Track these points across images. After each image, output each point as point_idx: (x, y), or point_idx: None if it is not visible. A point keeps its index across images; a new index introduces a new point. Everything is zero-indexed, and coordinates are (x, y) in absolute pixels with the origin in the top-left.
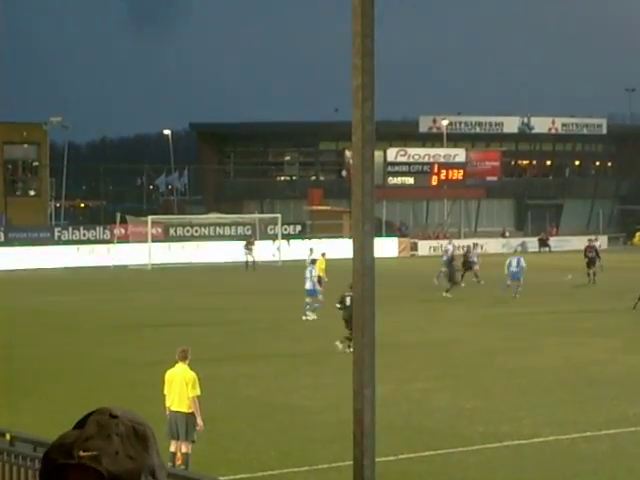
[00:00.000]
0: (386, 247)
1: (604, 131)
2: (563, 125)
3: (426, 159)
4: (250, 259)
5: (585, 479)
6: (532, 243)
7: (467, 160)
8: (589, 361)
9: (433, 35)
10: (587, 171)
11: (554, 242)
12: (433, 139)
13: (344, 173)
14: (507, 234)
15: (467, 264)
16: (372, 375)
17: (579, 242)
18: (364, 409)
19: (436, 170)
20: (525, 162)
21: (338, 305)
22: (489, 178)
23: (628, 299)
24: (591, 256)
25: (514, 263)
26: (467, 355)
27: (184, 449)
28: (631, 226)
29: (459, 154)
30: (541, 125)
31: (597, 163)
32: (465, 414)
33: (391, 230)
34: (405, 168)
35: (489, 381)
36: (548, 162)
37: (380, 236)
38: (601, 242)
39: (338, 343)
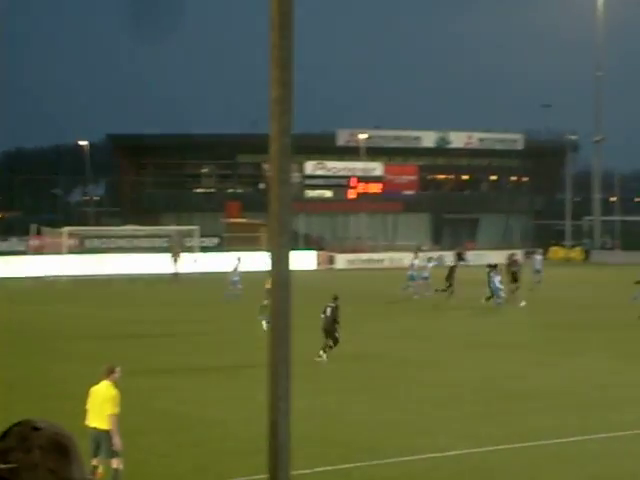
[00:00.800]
0: (304, 260)
1: (520, 146)
2: (480, 140)
3: (344, 172)
4: (175, 270)
5: None
6: (449, 257)
7: (385, 174)
8: (504, 375)
9: (352, 49)
10: (503, 186)
11: (471, 256)
12: (351, 153)
13: (262, 186)
14: (424, 248)
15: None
16: (287, 388)
17: (495, 256)
18: (279, 422)
19: (354, 184)
20: (442, 176)
21: (322, 315)
22: (406, 192)
23: (543, 313)
24: (515, 270)
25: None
26: (384, 368)
27: (114, 465)
28: (546, 241)
29: (377, 168)
30: (458, 140)
31: (513, 178)
32: (381, 427)
33: (309, 243)
34: (323, 181)
35: (406, 394)
36: (465, 177)
37: (298, 249)
38: (520, 257)
39: (320, 355)
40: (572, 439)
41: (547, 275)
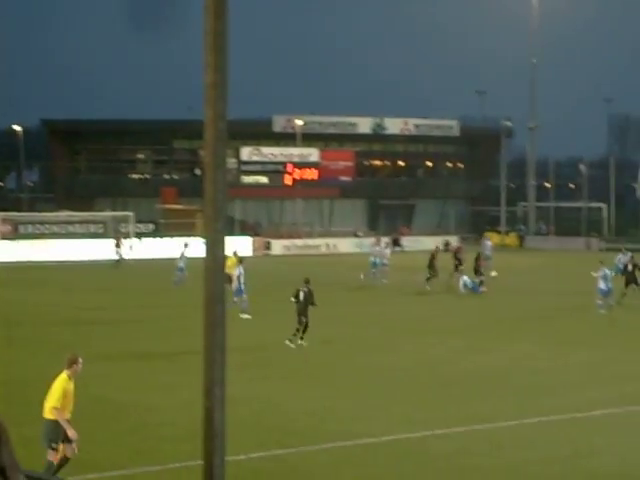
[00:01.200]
0: (240, 246)
1: (455, 133)
2: (416, 126)
3: (280, 158)
4: (119, 257)
5: (435, 476)
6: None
7: (321, 160)
8: (441, 360)
9: (289, 33)
10: (439, 172)
11: (406, 242)
12: (287, 138)
13: (198, 172)
14: (360, 234)
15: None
16: (223, 374)
17: (431, 242)
18: (214, 408)
19: (290, 170)
20: (378, 162)
21: (293, 299)
22: (343, 178)
23: (480, 299)
24: (460, 257)
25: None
26: (321, 354)
27: (68, 453)
28: (481, 226)
29: (313, 154)
30: (394, 126)
31: (449, 164)
32: (317, 412)
33: (245, 229)
34: (259, 167)
35: (342, 380)
36: (401, 163)
37: (234, 235)
38: (452, 242)
39: (301, 339)
40: (507, 424)
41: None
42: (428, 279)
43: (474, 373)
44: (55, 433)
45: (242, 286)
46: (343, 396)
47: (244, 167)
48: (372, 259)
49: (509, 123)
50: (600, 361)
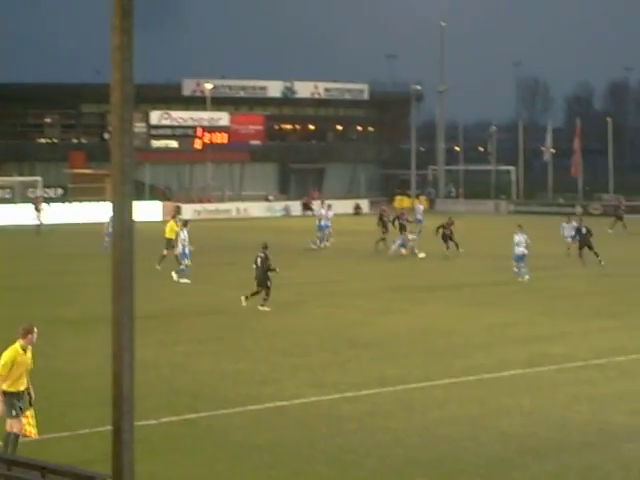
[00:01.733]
0: (150, 211)
1: (366, 96)
2: (326, 90)
3: (190, 122)
4: (39, 222)
5: (345, 438)
6: (295, 207)
7: (231, 124)
8: (349, 323)
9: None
10: (349, 136)
11: (317, 206)
12: (197, 102)
13: (107, 136)
14: (271, 198)
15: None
16: (131, 338)
17: (341, 206)
18: (123, 372)
19: (200, 134)
20: (288, 126)
21: (254, 266)
22: (253, 142)
23: (388, 261)
24: (402, 222)
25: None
26: (230, 319)
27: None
28: (391, 190)
29: (223, 118)
30: (304, 90)
31: (359, 128)
32: (228, 376)
33: (155, 194)
34: (169, 131)
35: (252, 344)
36: (311, 127)
37: (144, 199)
38: (363, 206)
39: (243, 299)
40: (416, 385)
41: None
42: (382, 239)
43: (384, 335)
44: (7, 404)
45: (186, 250)
46: (254, 359)
47: (154, 131)
48: (320, 223)
49: (419, 87)
50: (509, 323)
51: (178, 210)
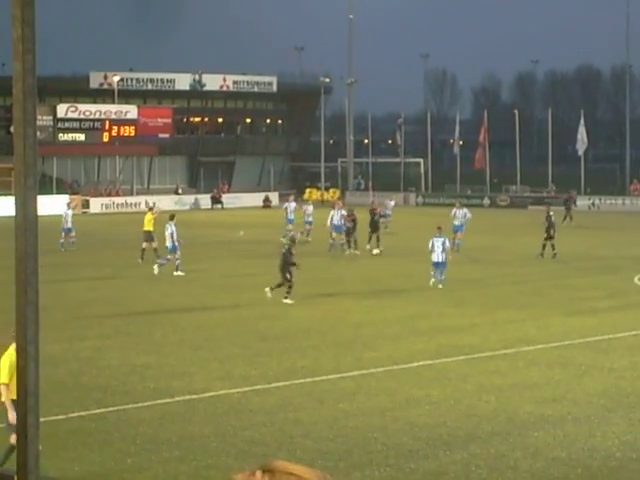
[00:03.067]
0: (57, 204)
1: (274, 89)
2: (234, 83)
3: (97, 115)
4: None
5: (255, 431)
6: (205, 200)
7: (139, 117)
8: (259, 316)
9: None
10: (258, 129)
11: (226, 199)
12: (104, 95)
13: (12, 129)
14: (180, 191)
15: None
16: (36, 332)
17: (251, 199)
18: (28, 367)
19: (107, 127)
20: (197, 119)
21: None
22: (161, 135)
23: (299, 254)
24: (376, 219)
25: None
26: (139, 312)
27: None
28: (301, 183)
29: (131, 111)
30: (213, 82)
31: (268, 121)
32: (137, 371)
33: (63, 187)
34: (76, 124)
35: (161, 337)
36: (220, 119)
37: (51, 193)
38: (272, 198)
39: (267, 290)
40: (327, 377)
41: (303, 215)
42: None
43: (294, 328)
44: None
45: (176, 243)
46: (163, 353)
47: (60, 124)
48: (288, 217)
49: (327, 79)
50: (418, 315)
51: (153, 204)
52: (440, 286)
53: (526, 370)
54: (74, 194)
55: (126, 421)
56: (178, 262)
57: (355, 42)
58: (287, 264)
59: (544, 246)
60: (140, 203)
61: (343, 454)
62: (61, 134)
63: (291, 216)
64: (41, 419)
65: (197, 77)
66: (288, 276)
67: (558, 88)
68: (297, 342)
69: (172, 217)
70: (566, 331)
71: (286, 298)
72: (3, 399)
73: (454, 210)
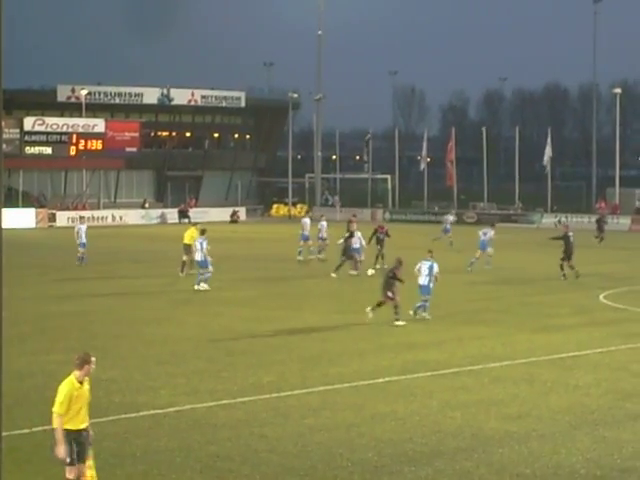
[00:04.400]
0: (23, 218)
1: (243, 104)
2: (202, 97)
3: (64, 129)
4: None
5: (221, 446)
6: (172, 214)
7: (106, 130)
8: (225, 330)
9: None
10: (226, 143)
11: (194, 213)
12: (72, 109)
13: None
14: (147, 205)
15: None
16: (0, 346)
17: (218, 213)
18: None
19: (75, 140)
20: (165, 133)
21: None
22: (128, 149)
23: (265, 269)
24: (381, 238)
25: None
26: (105, 326)
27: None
28: (268, 198)
29: (98, 124)
30: (181, 97)
31: (236, 136)
32: (102, 385)
33: (29, 201)
34: (43, 138)
35: (126, 352)
36: (188, 134)
37: (17, 206)
38: (240, 213)
39: (369, 310)
40: (292, 393)
41: (267, 231)
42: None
43: (260, 343)
44: (67, 443)
45: (207, 258)
46: (128, 368)
47: (27, 137)
48: (303, 233)
49: (296, 95)
50: (383, 331)
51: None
52: (426, 315)
53: (492, 386)
54: (41, 207)
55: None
56: (208, 275)
57: (324, 58)
58: (389, 283)
59: (561, 266)
60: (107, 217)
61: (308, 469)
62: (28, 147)
63: (306, 232)
64: (5, 433)
65: (165, 91)
66: (390, 294)
67: (526, 106)
68: (263, 357)
69: (203, 232)
70: (532, 348)
71: (397, 320)
72: (56, 426)
73: (484, 230)
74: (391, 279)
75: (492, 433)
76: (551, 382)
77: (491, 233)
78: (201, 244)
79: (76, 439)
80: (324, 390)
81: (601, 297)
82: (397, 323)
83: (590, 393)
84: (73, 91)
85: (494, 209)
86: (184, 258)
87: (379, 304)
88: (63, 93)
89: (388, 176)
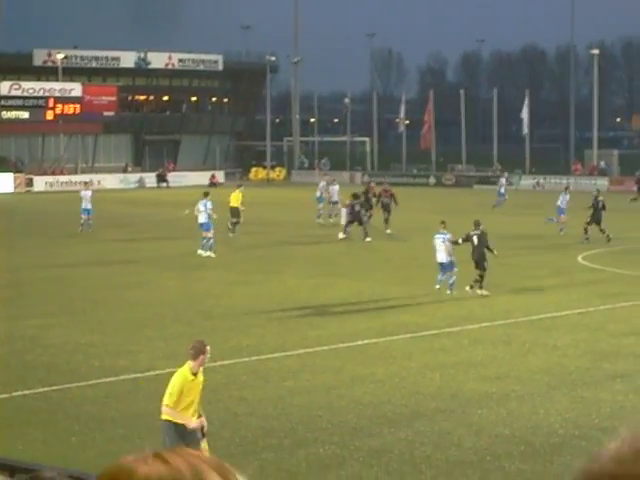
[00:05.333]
0: (1, 183)
1: (220, 67)
2: (180, 61)
3: (41, 93)
4: None
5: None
6: (150, 179)
7: (83, 95)
8: (205, 294)
9: None
10: (204, 107)
11: (172, 178)
12: (48, 73)
13: None
14: (129, 169)
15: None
16: None
17: (196, 177)
18: None
19: (51, 105)
20: (142, 97)
21: (460, 241)
22: (106, 113)
23: (243, 233)
24: (386, 202)
25: None
26: (84, 290)
27: None
28: (247, 161)
29: (75, 88)
30: (158, 60)
31: (213, 99)
32: (81, 349)
33: (6, 166)
34: (19, 102)
35: (105, 316)
36: (165, 98)
37: None
38: (218, 177)
39: (468, 288)
40: (272, 355)
41: (250, 195)
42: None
43: (239, 306)
44: (172, 436)
45: (210, 221)
46: (107, 332)
47: (4, 102)
48: (318, 194)
49: (273, 58)
50: (364, 293)
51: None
52: (448, 292)
53: (470, 348)
54: (18, 172)
55: (70, 400)
56: (212, 242)
57: (301, 21)
58: (484, 249)
59: (586, 230)
60: (85, 182)
61: (288, 432)
62: (4, 112)
63: (319, 194)
64: None
65: (142, 55)
66: (485, 264)
67: (503, 68)
68: (243, 320)
69: (206, 194)
70: (510, 309)
71: (480, 288)
72: (171, 417)
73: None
74: (487, 249)
75: (471, 394)
76: (529, 343)
77: (567, 198)
78: (205, 205)
79: (183, 434)
80: (303, 353)
81: (579, 258)
82: (481, 292)
83: (568, 354)
84: (49, 55)
85: (472, 171)
86: (233, 220)
87: (479, 279)
88: (39, 57)
89: (367, 139)
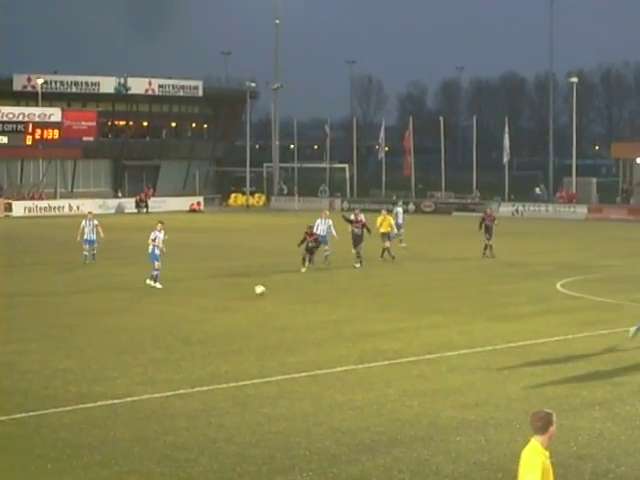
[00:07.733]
0: None
1: (200, 93)
2: (160, 86)
3: (20, 118)
4: None
5: (178, 436)
6: (129, 204)
7: (63, 120)
8: (183, 320)
9: None
10: (184, 133)
11: (152, 203)
12: (28, 98)
13: None
14: (120, 194)
15: None
16: None
17: (176, 203)
18: None
19: (31, 129)
20: (122, 123)
21: None
22: (85, 138)
23: (222, 258)
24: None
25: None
26: (62, 316)
27: None
28: (226, 187)
29: (55, 113)
30: (138, 86)
31: (193, 125)
32: (58, 375)
33: None
34: None
35: (83, 341)
36: (145, 123)
37: None
38: (201, 205)
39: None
40: (250, 382)
41: (227, 220)
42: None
43: (218, 333)
44: None
45: (156, 251)
46: (83, 358)
47: None
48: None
49: (253, 84)
50: (342, 319)
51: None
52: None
53: (449, 375)
54: None
55: (47, 426)
56: (157, 273)
57: (281, 47)
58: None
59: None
60: (64, 207)
61: (266, 459)
62: None
63: (400, 221)
64: None
65: (122, 80)
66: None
67: (483, 95)
68: (221, 346)
69: (162, 223)
70: (489, 336)
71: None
72: None
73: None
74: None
75: (449, 421)
76: (508, 370)
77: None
78: (153, 236)
79: None
80: (282, 379)
81: (558, 285)
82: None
83: (546, 381)
84: (29, 80)
85: (452, 198)
86: (386, 245)
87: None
88: (19, 82)
89: (346, 165)
